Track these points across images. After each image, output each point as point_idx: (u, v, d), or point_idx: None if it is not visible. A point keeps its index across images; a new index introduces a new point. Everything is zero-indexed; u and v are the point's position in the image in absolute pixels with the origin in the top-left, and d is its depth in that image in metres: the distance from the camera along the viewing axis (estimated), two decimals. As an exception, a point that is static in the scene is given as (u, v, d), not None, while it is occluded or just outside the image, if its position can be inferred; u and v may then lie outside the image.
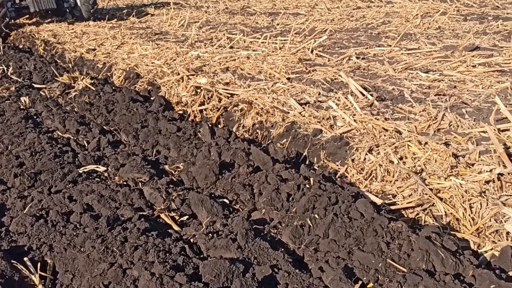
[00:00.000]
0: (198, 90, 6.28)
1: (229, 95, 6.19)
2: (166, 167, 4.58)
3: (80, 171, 4.40)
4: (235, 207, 3.91)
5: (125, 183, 4.18)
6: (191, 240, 3.36)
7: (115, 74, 8.13)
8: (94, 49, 9.87)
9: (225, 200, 3.95)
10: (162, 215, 3.64)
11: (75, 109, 6.35)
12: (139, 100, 6.36)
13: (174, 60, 7.88)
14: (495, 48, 7.97)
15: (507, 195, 3.63)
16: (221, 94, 6.17)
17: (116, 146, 5.05)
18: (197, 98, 6.16)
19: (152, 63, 7.79)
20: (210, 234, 3.34)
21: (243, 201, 3.92)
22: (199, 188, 4.16)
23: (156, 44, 9.29)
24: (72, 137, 5.24)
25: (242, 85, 6.55)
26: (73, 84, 7.37)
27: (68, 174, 4.32)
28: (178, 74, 6.88)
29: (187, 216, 3.69)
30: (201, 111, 6.06)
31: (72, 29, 12.68)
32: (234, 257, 3.10)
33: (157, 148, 4.91)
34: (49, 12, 14.15)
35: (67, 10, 13.87)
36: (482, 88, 6.16)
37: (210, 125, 5.27)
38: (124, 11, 16.02)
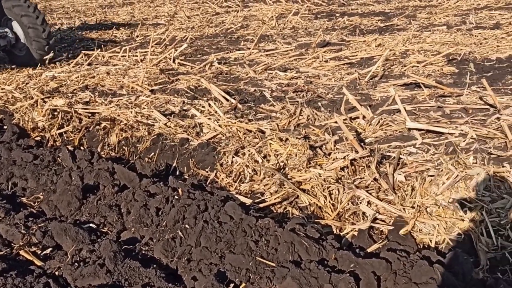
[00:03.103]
0: (55, 113, 5.97)
1: (90, 114, 5.97)
2: (24, 199, 4.29)
3: None
4: (103, 230, 3.77)
5: (-23, 224, 3.84)
6: (56, 273, 3.18)
7: (-43, 105, 7.44)
8: None
9: (91, 225, 3.79)
10: (22, 252, 3.40)
11: None
12: (-11, 132, 5.89)
13: (27, 83, 7.41)
14: (343, 43, 8.59)
15: (360, 178, 3.92)
16: (81, 114, 5.93)
17: (-36, 186, 4.63)
18: (55, 122, 5.85)
19: (2, 89, 7.25)
20: (76, 263, 3.18)
21: (111, 223, 3.80)
22: (63, 217, 3.95)
23: (5, 68, 8.63)
24: None
25: (104, 102, 6.35)
26: None
27: None
28: (32, 98, 6.48)
29: (50, 249, 3.49)
30: (60, 134, 5.77)
31: None
32: (103, 283, 2.99)
33: (12, 181, 4.58)
34: None
35: (5, 49, 8.70)
36: (335, 81, 6.60)
37: (71, 148, 5.04)
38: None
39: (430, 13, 10.35)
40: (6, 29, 8.45)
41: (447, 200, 3.35)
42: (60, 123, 5.84)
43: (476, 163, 3.64)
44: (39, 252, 3.46)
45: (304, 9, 12.07)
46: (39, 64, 8.52)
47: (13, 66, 8.68)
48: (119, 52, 9.18)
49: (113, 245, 3.28)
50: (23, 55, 8.70)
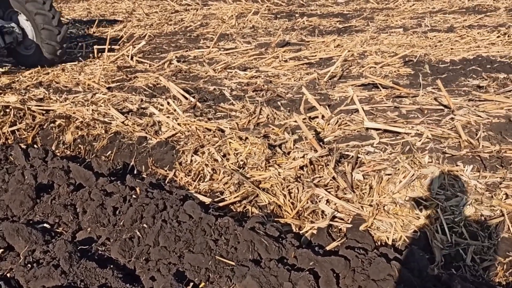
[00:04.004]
0: (7, 110, 5.77)
1: (44, 112, 5.79)
2: (-26, 199, 4.12)
3: None
4: (58, 230, 3.66)
5: None
6: (8, 274, 3.07)
7: None
8: None
9: (45, 225, 3.67)
10: (-29, 254, 3.27)
11: None
12: None
13: (-22, 79, 7.14)
14: (303, 43, 8.66)
15: (319, 177, 3.95)
16: (34, 111, 5.75)
17: None
18: (7, 119, 5.64)
19: (-50, 85, 6.94)
20: (29, 265, 3.07)
21: (66, 223, 3.69)
22: (15, 217, 3.82)
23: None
24: None
25: (58, 99, 6.18)
26: None
27: None
28: (-17, 94, 6.26)
29: (2, 250, 3.36)
30: (13, 132, 5.57)
31: None
32: (58, 284, 2.90)
33: (-39, 180, 4.40)
34: None
35: (10, 47, 7.53)
36: (294, 80, 6.65)
37: (24, 147, 4.87)
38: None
39: (387, 15, 10.57)
40: (13, 24, 7.38)
41: (404, 199, 3.42)
42: (13, 121, 5.64)
43: (431, 162, 3.74)
44: (-11, 253, 3.33)
45: (264, 9, 12.09)
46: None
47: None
48: (75, 48, 8.96)
49: (68, 246, 3.19)
50: (30, 55, 7.63)
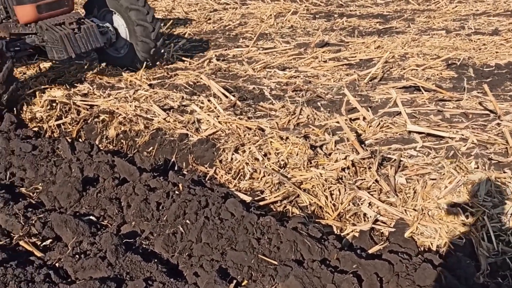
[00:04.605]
0: (54, 104, 5.93)
1: (89, 107, 5.93)
2: (23, 189, 4.26)
3: None
4: (103, 223, 3.76)
5: (-25, 213, 3.81)
6: (57, 264, 3.17)
7: (-45, 93, 7.33)
8: None
9: (91, 217, 3.78)
10: (21, 242, 3.39)
11: None
12: (-14, 121, 5.81)
13: (25, 73, 7.34)
14: (342, 44, 8.60)
15: (361, 179, 3.93)
16: (79, 106, 5.89)
17: (-38, 174, 4.58)
18: (53, 113, 5.81)
19: None
20: (77, 256, 3.17)
21: (111, 216, 3.79)
22: (62, 208, 3.93)
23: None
24: None
25: (102, 95, 6.31)
26: None
27: None
28: (30, 88, 6.43)
29: (50, 240, 3.48)
30: (59, 126, 5.73)
31: None
32: (105, 276, 2.98)
33: (11, 171, 4.54)
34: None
35: (104, 47, 7.07)
36: (334, 81, 6.61)
37: (69, 140, 5.00)
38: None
39: (428, 17, 10.38)
40: (107, 24, 7.01)
41: (449, 204, 3.37)
42: (59, 115, 5.79)
43: (477, 168, 3.67)
44: (38, 243, 3.45)
45: (302, 9, 12.04)
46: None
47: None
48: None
49: (114, 238, 3.27)
50: (123, 56, 7.25)
